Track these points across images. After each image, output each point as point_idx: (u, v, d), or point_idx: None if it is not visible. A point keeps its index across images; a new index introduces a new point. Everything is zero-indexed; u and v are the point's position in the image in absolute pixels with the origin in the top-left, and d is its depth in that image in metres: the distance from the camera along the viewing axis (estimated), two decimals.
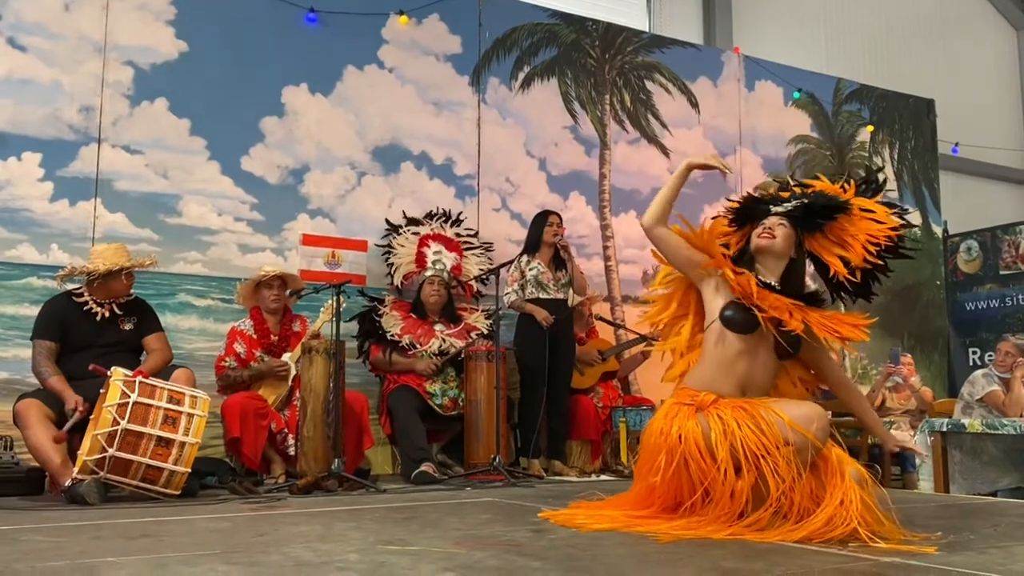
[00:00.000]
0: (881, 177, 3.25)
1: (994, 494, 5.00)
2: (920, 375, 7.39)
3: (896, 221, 3.08)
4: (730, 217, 3.19)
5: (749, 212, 3.14)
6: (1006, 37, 10.89)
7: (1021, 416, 5.35)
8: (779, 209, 3.07)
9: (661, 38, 7.64)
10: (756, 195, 3.25)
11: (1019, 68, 10.87)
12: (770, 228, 3.02)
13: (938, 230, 8.83)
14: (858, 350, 8.08)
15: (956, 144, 9.39)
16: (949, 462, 5.03)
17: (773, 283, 3.00)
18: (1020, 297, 8.35)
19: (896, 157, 8.68)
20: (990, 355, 7.04)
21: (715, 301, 3.03)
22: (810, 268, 3.17)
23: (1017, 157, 10.54)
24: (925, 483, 5.21)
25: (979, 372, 6.03)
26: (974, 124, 9.84)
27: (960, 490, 4.95)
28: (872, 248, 3.03)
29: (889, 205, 3.14)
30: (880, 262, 3.08)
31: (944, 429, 5.05)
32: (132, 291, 4.60)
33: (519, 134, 6.75)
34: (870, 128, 8.54)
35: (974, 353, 8.53)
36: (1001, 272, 8.49)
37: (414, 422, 5.08)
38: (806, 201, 3.06)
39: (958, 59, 10.16)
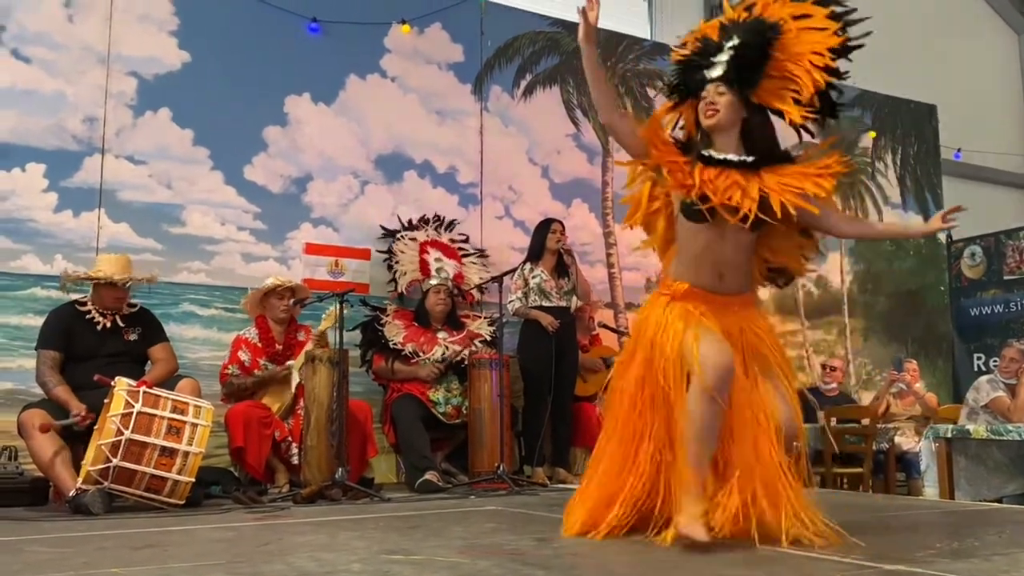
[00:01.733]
0: None
1: (1000, 500, 5.00)
2: (925, 381, 7.38)
3: (834, 24, 2.81)
4: (669, 94, 2.97)
5: (686, 85, 2.91)
6: (1008, 41, 10.89)
7: None
8: (713, 75, 2.81)
9: (663, 46, 7.64)
10: (681, 57, 2.94)
11: (1021, 72, 10.87)
12: (711, 103, 2.79)
13: (942, 236, 8.81)
14: (861, 356, 8.07)
15: (958, 149, 9.39)
16: (954, 468, 5.02)
17: (731, 157, 2.77)
18: None
19: (899, 163, 8.68)
20: (995, 361, 7.01)
21: (678, 191, 2.85)
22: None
23: (1020, 162, 10.53)
24: (930, 489, 5.20)
25: (984, 378, 6.01)
26: (976, 129, 9.84)
27: (965, 496, 4.93)
28: (821, 65, 2.78)
29: (822, 3, 2.85)
30: (833, 78, 2.84)
31: (949, 435, 5.04)
32: (136, 301, 4.62)
33: (521, 142, 6.76)
34: (872, 134, 8.55)
35: (979, 359, 8.51)
36: (1005, 277, 8.48)
37: (418, 431, 5.08)
38: (735, 53, 2.79)
39: (960, 64, 10.16)
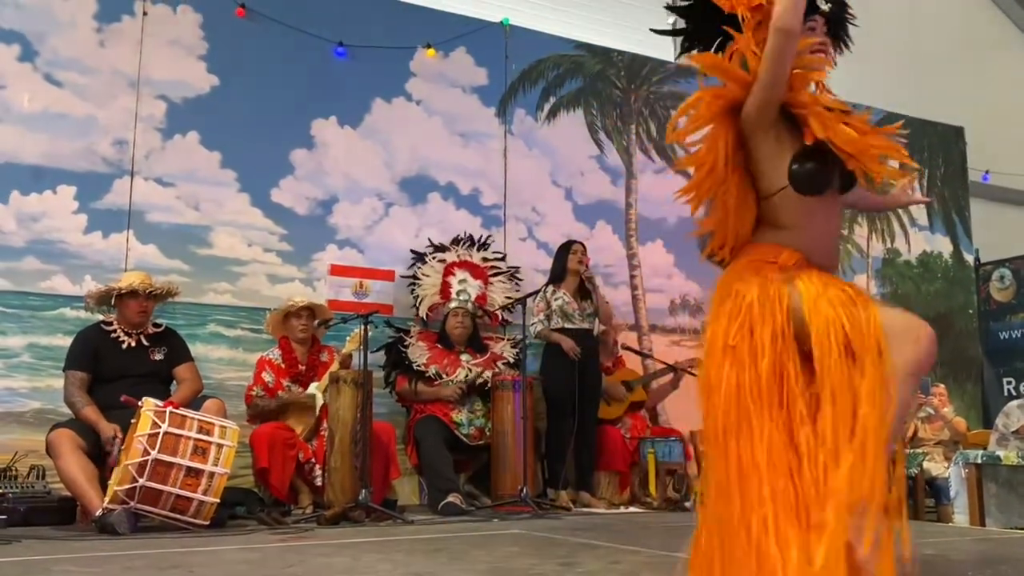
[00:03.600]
0: None
1: None
2: (953, 405, 7.28)
3: None
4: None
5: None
6: None
7: None
8: (824, 7, 2.21)
9: (687, 68, 7.66)
10: None
11: None
12: (825, 44, 2.20)
13: (970, 258, 8.73)
14: None
15: (987, 171, 9.30)
16: (985, 495, 4.95)
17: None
18: None
19: (926, 185, 8.62)
20: None
21: (781, 153, 2.11)
22: None
23: None
24: (960, 516, 5.13)
25: (1014, 403, 5.93)
26: (1005, 151, 9.73)
27: (996, 524, 4.85)
28: None
29: None
30: None
31: (979, 461, 4.97)
32: (161, 321, 4.66)
33: (545, 164, 6.78)
34: None
35: (1009, 383, 8.39)
36: None
37: (441, 452, 5.08)
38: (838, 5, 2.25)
39: (987, 85, 10.08)
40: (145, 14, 5.59)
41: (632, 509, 5.40)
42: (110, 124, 5.43)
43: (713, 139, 2.15)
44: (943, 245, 8.63)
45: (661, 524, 4.24)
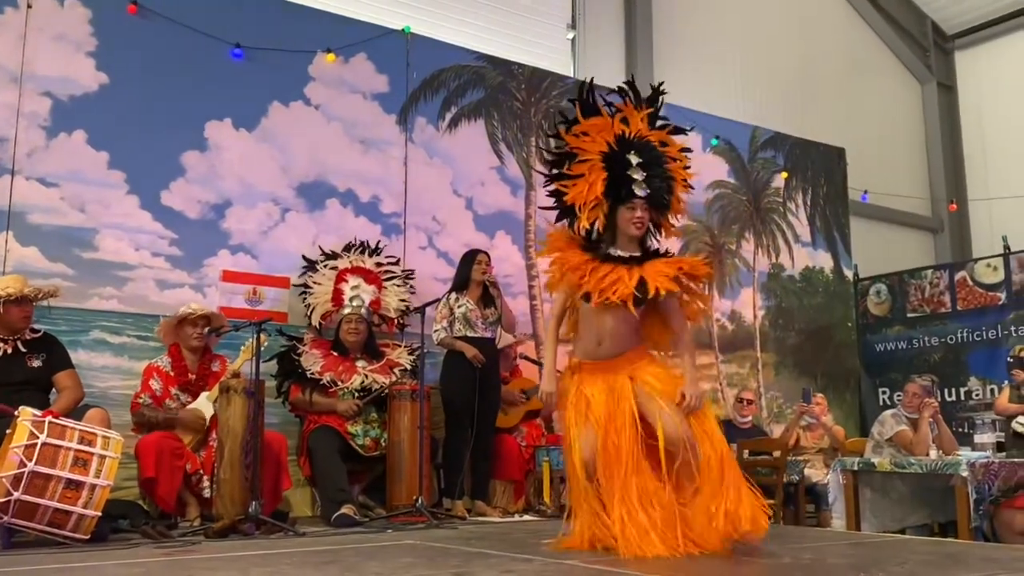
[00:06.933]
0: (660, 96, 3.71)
1: (902, 531, 5.18)
2: (833, 414, 7.61)
3: (685, 159, 3.69)
4: (602, 190, 3.51)
5: (617, 193, 3.52)
6: (912, 90, 11.43)
7: (927, 455, 5.55)
8: (642, 194, 3.50)
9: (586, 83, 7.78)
10: (597, 158, 3.58)
11: (923, 119, 11.41)
12: (641, 218, 3.50)
13: (849, 274, 9.15)
14: (773, 390, 8.29)
15: (865, 191, 9.78)
16: (860, 500, 5.18)
17: (624, 254, 3.49)
18: (926, 339, 8.70)
19: (809, 203, 9.00)
20: (899, 395, 7.29)
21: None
22: None
23: (922, 204, 11.02)
24: (838, 520, 5.36)
25: (888, 412, 6.24)
26: (882, 172, 10.27)
27: (871, 528, 5.10)
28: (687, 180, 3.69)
29: (675, 129, 3.70)
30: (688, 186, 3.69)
31: (855, 468, 5.21)
32: (40, 327, 4.48)
33: (446, 173, 6.79)
34: (784, 175, 8.84)
35: (884, 393, 8.84)
36: (908, 315, 8.84)
37: (335, 463, 5.01)
38: (659, 185, 3.55)
39: (867, 110, 10.62)
40: (29, 7, 5.36)
41: (527, 517, 5.44)
42: None
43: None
44: (824, 261, 9.02)
45: (554, 532, 4.29)
